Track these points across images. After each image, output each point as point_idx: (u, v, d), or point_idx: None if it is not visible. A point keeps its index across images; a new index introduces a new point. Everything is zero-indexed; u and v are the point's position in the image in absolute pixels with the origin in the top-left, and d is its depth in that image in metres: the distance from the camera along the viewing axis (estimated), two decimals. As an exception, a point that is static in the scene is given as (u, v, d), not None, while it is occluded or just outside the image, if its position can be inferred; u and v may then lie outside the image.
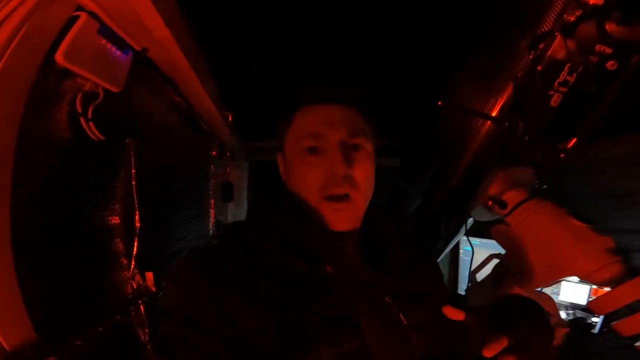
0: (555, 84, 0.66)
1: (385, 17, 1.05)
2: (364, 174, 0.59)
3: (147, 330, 0.93)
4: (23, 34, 0.52)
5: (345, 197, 0.57)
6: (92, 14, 0.60)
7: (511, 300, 0.58)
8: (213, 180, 1.66)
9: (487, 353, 0.45)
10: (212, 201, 1.66)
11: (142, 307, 0.93)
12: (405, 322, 0.56)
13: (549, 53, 0.64)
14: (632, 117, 0.86)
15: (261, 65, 1.12)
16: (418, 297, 0.60)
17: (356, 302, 0.55)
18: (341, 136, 0.57)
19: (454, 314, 0.50)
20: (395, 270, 0.61)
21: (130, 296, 0.91)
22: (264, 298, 0.50)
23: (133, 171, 0.90)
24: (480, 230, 1.49)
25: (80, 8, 0.59)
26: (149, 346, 0.92)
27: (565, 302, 1.59)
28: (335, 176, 0.56)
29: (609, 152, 1.05)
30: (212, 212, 1.66)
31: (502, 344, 0.46)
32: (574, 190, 1.33)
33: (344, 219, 0.58)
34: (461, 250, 1.94)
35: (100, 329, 0.71)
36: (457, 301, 1.92)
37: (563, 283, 1.61)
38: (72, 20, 0.58)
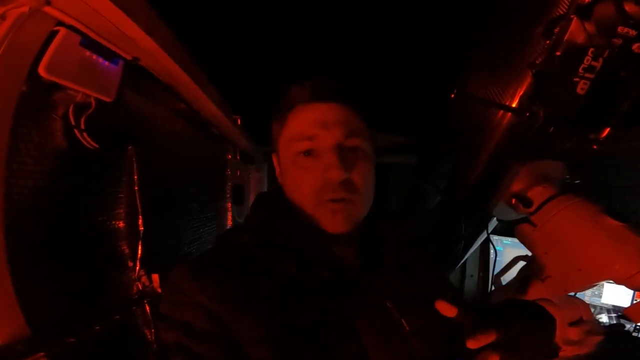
0: (580, 69, 0.61)
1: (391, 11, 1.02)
2: (362, 177, 0.56)
3: (153, 330, 0.97)
4: (3, 50, 0.56)
5: (341, 201, 0.55)
6: (71, 28, 0.63)
7: (509, 302, 0.54)
8: (230, 183, 1.69)
9: (472, 344, 0.43)
10: (229, 204, 1.70)
11: (147, 307, 0.96)
12: (407, 328, 0.53)
13: (566, 37, 0.59)
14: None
15: (254, 68, 1.12)
16: (420, 299, 0.57)
17: (355, 307, 0.52)
18: (337, 138, 0.54)
19: (446, 310, 0.47)
20: (396, 272, 0.58)
21: (135, 296, 0.94)
22: (258, 304, 0.49)
23: (135, 177, 0.94)
24: (512, 229, 1.40)
25: (60, 23, 0.62)
26: (155, 345, 0.95)
27: (607, 304, 1.46)
28: (331, 181, 0.54)
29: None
30: (229, 215, 1.70)
31: (490, 337, 0.44)
32: (610, 185, 1.22)
33: (341, 220, 0.55)
34: (492, 250, 1.86)
35: (97, 327, 0.75)
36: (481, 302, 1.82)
37: (605, 284, 1.48)
38: (53, 35, 0.62)
